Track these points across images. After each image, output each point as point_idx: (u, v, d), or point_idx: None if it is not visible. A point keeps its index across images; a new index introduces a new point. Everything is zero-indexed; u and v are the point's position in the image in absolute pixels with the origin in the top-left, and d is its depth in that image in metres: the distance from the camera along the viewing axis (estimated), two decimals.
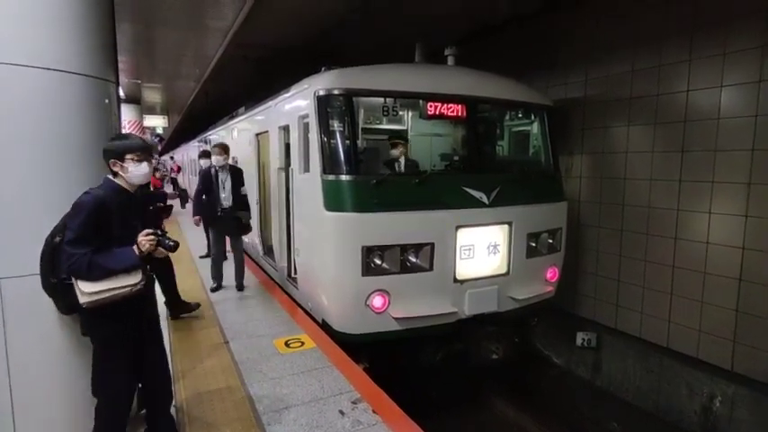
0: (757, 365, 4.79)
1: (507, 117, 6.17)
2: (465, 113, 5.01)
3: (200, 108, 17.01)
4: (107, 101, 2.95)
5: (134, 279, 2.47)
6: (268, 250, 7.34)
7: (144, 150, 2.61)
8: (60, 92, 2.64)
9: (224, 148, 6.20)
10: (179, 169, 24.77)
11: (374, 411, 3.39)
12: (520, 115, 6.02)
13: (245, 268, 6.68)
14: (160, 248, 2.55)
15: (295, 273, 5.74)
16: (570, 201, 6.11)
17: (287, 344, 4.59)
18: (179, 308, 5.39)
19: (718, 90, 5.00)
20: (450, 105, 4.90)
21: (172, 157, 30.14)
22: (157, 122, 19.22)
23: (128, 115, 14.62)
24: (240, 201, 6.25)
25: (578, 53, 6.57)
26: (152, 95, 15.08)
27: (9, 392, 2.60)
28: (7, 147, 2.51)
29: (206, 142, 14.11)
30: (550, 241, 5.49)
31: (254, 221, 7.70)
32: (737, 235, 4.88)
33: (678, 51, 5.34)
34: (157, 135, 24.78)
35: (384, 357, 4.70)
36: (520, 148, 6.27)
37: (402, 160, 5.25)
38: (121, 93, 12.47)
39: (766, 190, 4.64)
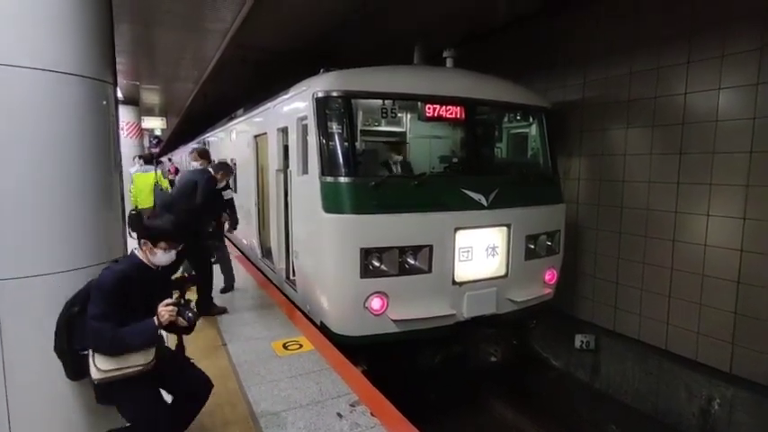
0: (756, 368, 4.79)
1: (506, 119, 6.18)
2: (463, 115, 5.01)
3: (199, 110, 16.99)
4: (105, 102, 2.93)
5: (144, 359, 2.50)
6: (266, 252, 7.33)
7: (176, 240, 2.70)
8: (57, 93, 2.63)
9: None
10: (176, 171, 24.75)
11: (372, 414, 3.38)
12: (518, 117, 6.03)
13: (237, 272, 6.59)
14: (180, 318, 2.54)
15: (293, 275, 5.73)
16: (569, 203, 6.12)
17: (285, 346, 4.58)
18: (207, 307, 5.44)
19: (716, 92, 5.01)
20: (448, 107, 4.90)
21: (170, 159, 30.15)
22: (156, 124, 19.17)
23: (126, 117, 14.58)
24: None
25: (577, 55, 6.59)
26: (150, 97, 15.05)
27: (5, 398, 2.57)
28: (3, 148, 2.49)
29: (204, 144, 14.10)
30: (549, 243, 5.49)
31: (253, 223, 7.70)
32: (736, 237, 4.89)
33: (676, 54, 5.35)
34: (156, 137, 24.76)
35: (383, 360, 4.69)
36: (518, 151, 6.28)
37: (398, 162, 5.26)
38: (120, 94, 12.46)
39: (764, 192, 4.65)
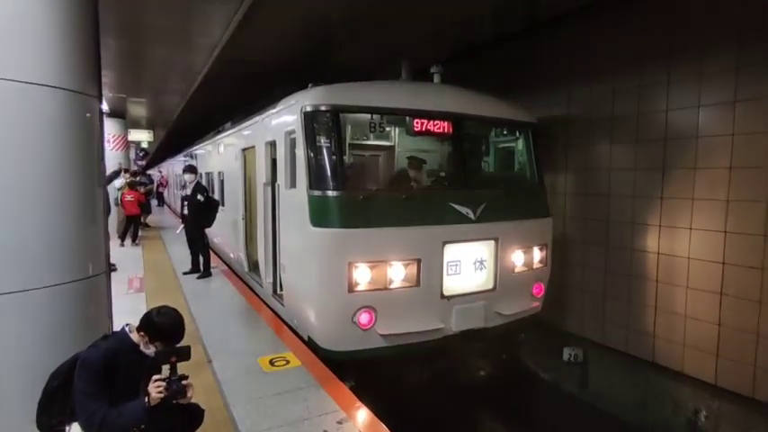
0: (739, 379, 4.84)
1: (493, 134, 6.25)
2: (451, 130, 5.06)
3: (187, 123, 16.91)
4: (89, 115, 2.92)
5: None
6: (253, 266, 7.25)
7: (174, 342, 2.62)
8: (40, 106, 2.61)
9: None
10: (167, 182, 24.63)
11: (361, 431, 3.33)
12: (505, 132, 6.10)
13: None
14: (173, 392, 2.43)
15: (281, 289, 5.67)
16: (555, 217, 6.17)
17: (271, 362, 4.51)
18: None
19: (696, 110, 5.14)
20: (436, 122, 4.94)
21: (160, 171, 29.98)
22: (142, 137, 19.04)
23: (112, 129, 14.43)
24: None
25: (561, 73, 6.72)
26: (137, 110, 14.95)
27: None
28: None
29: (192, 157, 14.02)
30: (536, 257, 5.52)
31: (240, 237, 7.63)
32: (718, 250, 4.97)
33: (657, 72, 5.49)
34: (142, 149, 24.56)
35: (371, 375, 4.64)
36: (505, 165, 6.34)
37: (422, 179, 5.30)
38: (106, 107, 12.35)
39: (744, 206, 4.76)
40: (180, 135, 20.66)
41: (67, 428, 2.42)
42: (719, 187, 4.93)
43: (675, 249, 5.39)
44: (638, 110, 5.73)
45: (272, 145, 5.86)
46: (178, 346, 2.60)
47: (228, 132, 8.79)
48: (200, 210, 7.85)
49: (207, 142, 11.53)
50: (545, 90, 6.98)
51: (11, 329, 2.57)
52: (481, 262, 4.98)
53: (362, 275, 4.35)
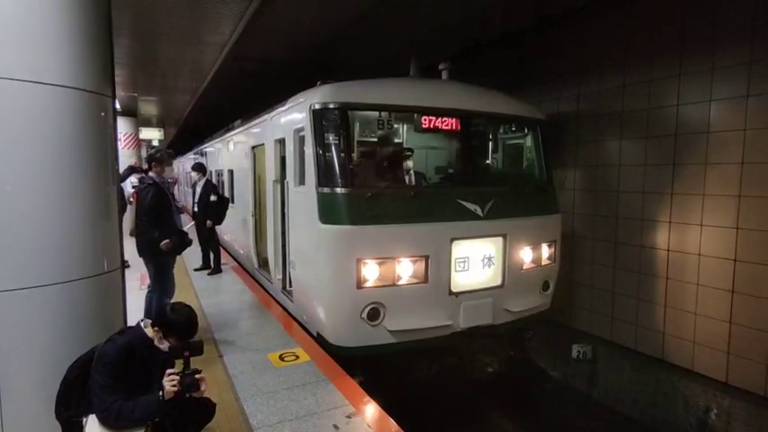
0: (751, 377, 4.80)
1: (501, 130, 6.23)
2: (459, 127, 5.06)
3: (197, 120, 17.07)
4: (103, 114, 2.97)
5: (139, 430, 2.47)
6: (263, 263, 7.32)
7: (188, 337, 2.68)
8: (57, 106, 2.66)
9: None
10: (176, 181, 24.86)
11: (369, 426, 3.37)
12: (513, 129, 6.09)
13: None
14: (186, 385, 2.48)
15: (290, 285, 5.72)
16: (564, 213, 6.15)
17: (281, 357, 4.56)
18: None
19: (708, 104, 5.09)
20: (444, 119, 4.95)
21: None
22: (153, 135, 19.20)
23: (124, 128, 14.61)
24: None
25: (570, 68, 6.68)
26: (148, 108, 15.11)
27: None
28: (1, 160, 2.52)
29: (202, 154, 14.14)
30: (545, 254, 5.51)
31: (249, 233, 7.70)
32: (729, 247, 4.93)
33: (668, 67, 5.44)
34: (153, 148, 24.81)
35: (379, 371, 4.67)
36: (514, 161, 6.33)
37: (412, 172, 5.28)
38: (117, 106, 12.48)
39: (756, 202, 4.71)
40: (190, 133, 20.85)
41: (84, 420, 2.49)
42: (731, 183, 4.88)
43: (686, 246, 5.35)
44: (649, 104, 5.68)
45: (282, 142, 5.90)
46: (191, 341, 2.66)
47: (238, 130, 8.86)
48: (211, 208, 7.94)
49: (217, 140, 11.62)
50: (554, 86, 6.94)
51: (30, 324, 2.64)
52: (489, 259, 4.99)
53: (371, 272, 4.38)
